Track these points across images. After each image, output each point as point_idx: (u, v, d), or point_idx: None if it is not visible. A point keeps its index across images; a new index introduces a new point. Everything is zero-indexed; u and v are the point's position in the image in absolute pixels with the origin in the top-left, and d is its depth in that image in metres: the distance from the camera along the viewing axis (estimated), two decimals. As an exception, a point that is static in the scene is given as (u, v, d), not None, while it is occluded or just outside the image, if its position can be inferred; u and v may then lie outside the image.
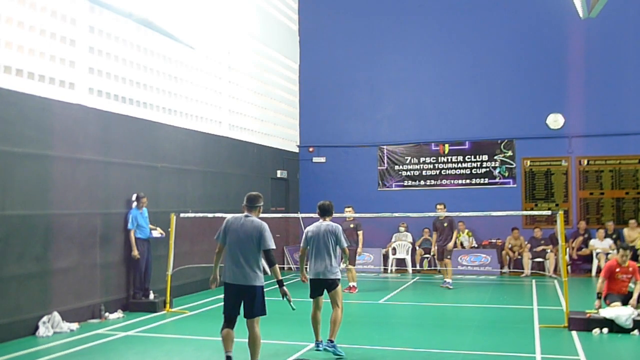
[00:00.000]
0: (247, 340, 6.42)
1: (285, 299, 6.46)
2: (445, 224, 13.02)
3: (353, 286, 12.69)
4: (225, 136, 14.11)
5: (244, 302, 6.28)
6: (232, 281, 6.23)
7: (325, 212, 7.78)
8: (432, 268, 15.58)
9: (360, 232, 12.64)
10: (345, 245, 7.63)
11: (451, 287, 12.93)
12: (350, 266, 12.44)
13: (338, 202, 15.55)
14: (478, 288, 13.37)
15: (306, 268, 7.82)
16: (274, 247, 6.40)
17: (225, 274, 6.33)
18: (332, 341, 7.38)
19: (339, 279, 7.56)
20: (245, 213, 6.54)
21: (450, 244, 13.00)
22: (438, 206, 12.91)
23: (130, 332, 8.72)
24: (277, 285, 6.42)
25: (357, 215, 12.32)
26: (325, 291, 7.58)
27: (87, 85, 9.80)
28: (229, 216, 6.62)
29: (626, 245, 9.53)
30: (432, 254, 13.51)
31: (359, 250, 12.68)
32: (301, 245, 7.75)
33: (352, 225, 12.67)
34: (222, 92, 14.10)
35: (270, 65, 16.75)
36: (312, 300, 7.69)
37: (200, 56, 13.16)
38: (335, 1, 18.33)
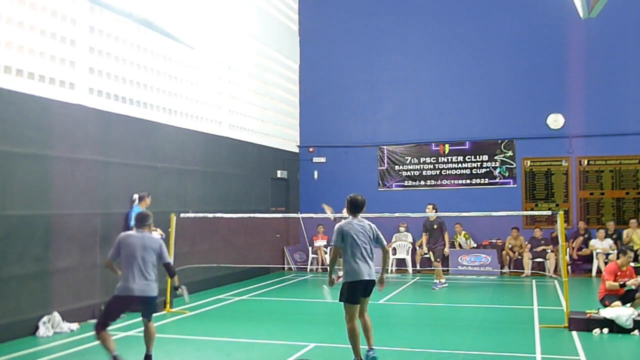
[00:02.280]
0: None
1: (178, 292, 7.16)
2: (435, 226, 12.99)
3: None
4: (225, 136, 14.11)
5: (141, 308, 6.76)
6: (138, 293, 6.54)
7: (359, 208, 6.91)
8: (432, 268, 15.56)
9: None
10: (384, 242, 6.95)
11: (437, 288, 12.86)
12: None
13: (338, 202, 15.62)
14: (478, 288, 13.37)
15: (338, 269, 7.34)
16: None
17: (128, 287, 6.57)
18: (373, 349, 6.70)
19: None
20: (138, 230, 6.82)
21: (446, 250, 13.07)
22: (428, 206, 12.85)
23: (130, 332, 8.72)
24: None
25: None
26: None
27: (87, 85, 9.80)
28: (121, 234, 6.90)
29: (628, 248, 9.52)
30: (423, 254, 13.42)
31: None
32: (333, 243, 6.73)
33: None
34: (222, 92, 14.10)
35: (270, 65, 16.76)
36: (349, 306, 6.54)
37: (200, 56, 13.16)
38: (335, 1, 18.32)
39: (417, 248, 16.22)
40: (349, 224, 6.69)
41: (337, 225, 6.67)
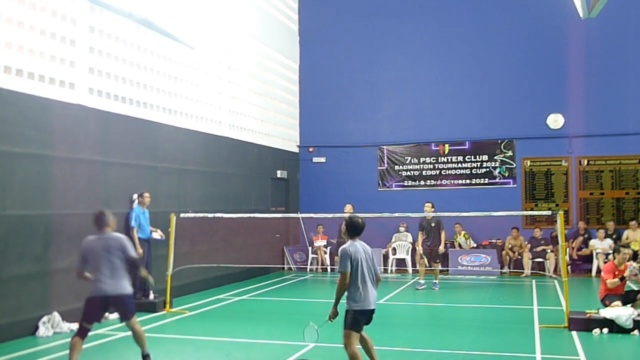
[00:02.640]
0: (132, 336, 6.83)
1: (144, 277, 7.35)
2: (433, 224, 12.93)
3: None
4: (225, 136, 14.11)
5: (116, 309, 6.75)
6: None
7: (359, 231, 6.27)
8: (431, 268, 15.56)
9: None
10: (378, 270, 6.36)
11: (436, 288, 12.85)
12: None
13: (338, 202, 15.63)
14: (478, 288, 13.37)
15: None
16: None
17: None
18: None
19: None
20: (99, 232, 6.64)
21: (441, 247, 13.00)
22: (426, 204, 12.79)
23: (130, 332, 8.71)
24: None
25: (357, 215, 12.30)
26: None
27: (87, 85, 9.80)
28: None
29: (622, 246, 9.53)
30: (419, 253, 13.36)
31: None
32: (342, 269, 5.97)
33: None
34: (222, 92, 14.10)
35: (270, 65, 16.75)
36: (352, 334, 6.01)
37: (200, 56, 13.16)
38: (335, 1, 18.33)
39: (417, 248, 16.20)
40: (354, 246, 6.11)
41: (342, 248, 6.08)
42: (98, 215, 6.65)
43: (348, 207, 13.40)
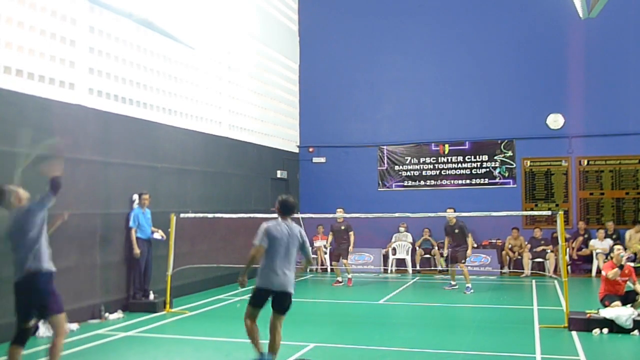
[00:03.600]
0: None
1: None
2: (456, 230, 12.74)
3: (349, 279, 13.68)
4: (225, 136, 14.11)
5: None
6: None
7: (289, 210, 6.45)
8: (433, 268, 15.58)
9: (351, 233, 13.63)
10: (310, 251, 6.52)
11: (470, 291, 12.49)
12: (344, 261, 13.74)
13: (338, 202, 15.64)
14: (478, 288, 13.36)
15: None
16: None
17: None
18: (268, 354, 6.26)
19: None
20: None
21: (469, 252, 12.83)
22: (448, 209, 12.52)
23: (130, 332, 8.72)
24: None
25: (357, 215, 12.32)
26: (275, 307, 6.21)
27: (87, 85, 9.80)
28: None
29: (615, 244, 9.62)
30: (443, 256, 13.53)
31: (350, 249, 13.72)
32: (255, 241, 6.14)
33: (343, 227, 13.70)
34: (222, 92, 14.10)
35: (270, 65, 16.76)
36: (249, 307, 6.24)
37: (200, 56, 13.16)
38: (335, 1, 18.32)
39: (417, 248, 16.22)
40: (277, 225, 6.22)
41: (263, 224, 6.20)
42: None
43: (339, 211, 13.31)
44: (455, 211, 12.47)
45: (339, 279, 13.82)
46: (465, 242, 12.73)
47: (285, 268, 6.15)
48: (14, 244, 5.72)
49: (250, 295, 6.30)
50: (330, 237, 14.37)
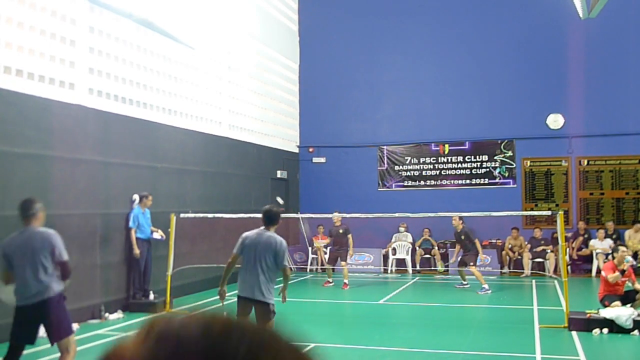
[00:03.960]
0: None
1: None
2: (463, 237, 12.89)
3: (345, 283, 13.38)
4: (225, 136, 14.11)
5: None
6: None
7: (272, 219, 6.39)
8: (433, 268, 15.58)
9: (349, 236, 13.46)
10: (286, 264, 6.24)
11: (486, 291, 12.36)
12: (343, 263, 13.46)
13: (338, 203, 15.64)
14: (478, 288, 13.35)
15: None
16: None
17: None
18: None
19: (273, 305, 6.15)
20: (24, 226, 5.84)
21: (481, 256, 13.00)
22: (453, 218, 12.65)
23: (130, 332, 8.71)
24: None
25: (357, 215, 12.31)
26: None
27: (87, 85, 9.80)
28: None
29: (620, 244, 9.59)
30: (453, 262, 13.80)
31: (350, 252, 13.60)
32: (234, 249, 6.37)
33: (341, 231, 13.54)
34: (222, 92, 14.10)
35: (270, 65, 16.75)
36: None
37: (200, 56, 13.16)
38: (335, 1, 18.32)
39: (417, 248, 16.21)
40: (256, 235, 6.29)
41: (244, 234, 6.37)
42: (24, 204, 6.02)
43: (336, 216, 13.30)
44: (461, 218, 12.57)
45: (330, 279, 13.66)
46: (474, 247, 12.86)
47: (258, 277, 6.08)
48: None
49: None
50: (329, 241, 14.33)
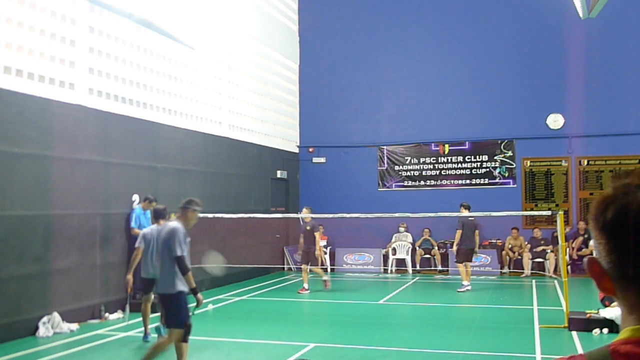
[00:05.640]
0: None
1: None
2: (464, 225, 12.73)
3: (325, 281, 12.97)
4: (225, 136, 14.11)
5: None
6: None
7: (158, 215, 8.23)
8: (433, 268, 15.58)
9: (317, 234, 12.86)
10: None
11: (466, 288, 12.48)
12: (312, 267, 12.87)
13: (338, 203, 15.63)
14: (478, 288, 13.36)
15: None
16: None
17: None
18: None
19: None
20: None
21: (476, 248, 12.88)
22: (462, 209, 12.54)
23: (130, 332, 8.72)
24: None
25: (357, 215, 12.31)
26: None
27: (87, 85, 9.80)
28: None
29: None
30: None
31: (316, 253, 12.81)
32: (136, 244, 8.18)
33: (308, 228, 12.90)
34: (222, 92, 14.10)
35: (270, 66, 16.76)
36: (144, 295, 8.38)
37: (200, 56, 13.17)
38: (335, 1, 18.32)
39: (417, 248, 16.21)
40: (153, 230, 7.93)
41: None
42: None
43: (305, 214, 12.97)
44: (467, 208, 12.47)
45: (305, 285, 12.66)
46: (473, 238, 12.73)
47: (156, 261, 7.25)
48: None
49: None
50: (301, 240, 13.30)
